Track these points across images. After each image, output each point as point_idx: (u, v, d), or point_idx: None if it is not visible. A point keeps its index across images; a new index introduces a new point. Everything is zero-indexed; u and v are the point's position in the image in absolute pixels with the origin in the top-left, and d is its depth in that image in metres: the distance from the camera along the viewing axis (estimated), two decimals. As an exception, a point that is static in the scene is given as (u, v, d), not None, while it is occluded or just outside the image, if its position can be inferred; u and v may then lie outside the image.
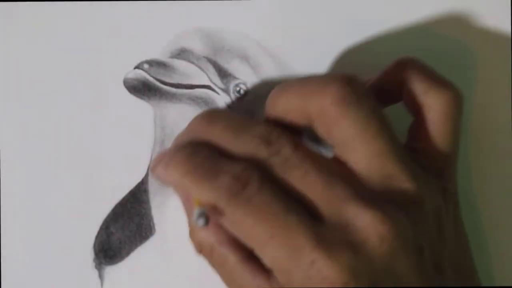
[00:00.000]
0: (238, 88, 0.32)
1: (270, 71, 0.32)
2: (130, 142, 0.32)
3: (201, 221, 0.25)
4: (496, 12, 0.32)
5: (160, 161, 0.27)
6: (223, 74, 0.32)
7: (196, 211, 0.25)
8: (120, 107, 0.32)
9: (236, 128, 0.27)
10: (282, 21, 0.32)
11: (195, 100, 0.32)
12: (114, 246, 0.32)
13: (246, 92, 0.32)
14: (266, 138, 0.26)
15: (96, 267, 0.32)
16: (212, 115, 0.28)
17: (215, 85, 0.32)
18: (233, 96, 0.32)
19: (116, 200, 0.32)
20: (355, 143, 0.25)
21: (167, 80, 0.32)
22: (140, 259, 0.32)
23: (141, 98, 0.32)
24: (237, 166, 0.26)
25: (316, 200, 0.25)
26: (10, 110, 0.32)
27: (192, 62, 0.32)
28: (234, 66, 0.32)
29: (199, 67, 0.32)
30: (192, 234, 0.28)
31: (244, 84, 0.32)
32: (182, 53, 0.32)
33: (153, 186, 0.32)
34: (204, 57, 0.32)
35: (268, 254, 0.25)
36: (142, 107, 0.32)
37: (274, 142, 0.26)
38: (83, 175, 0.32)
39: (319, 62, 0.32)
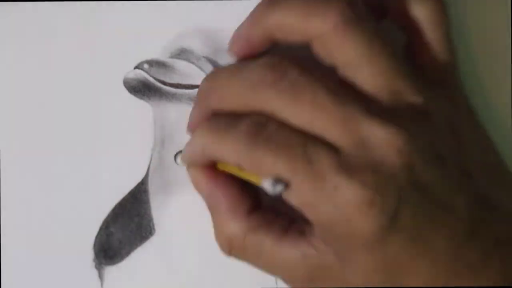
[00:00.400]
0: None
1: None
2: (130, 142, 0.32)
3: (279, 187, 0.25)
4: None
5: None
6: (223, 74, 0.32)
7: (268, 180, 0.25)
8: (120, 107, 0.32)
9: (239, 68, 0.27)
10: (282, 21, 0.32)
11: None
12: (114, 246, 0.32)
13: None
14: (270, 64, 0.26)
15: (96, 267, 0.32)
16: (213, 75, 0.28)
17: (215, 85, 0.32)
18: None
19: (116, 200, 0.32)
20: (360, 64, 0.25)
21: (167, 80, 0.32)
22: (140, 259, 0.32)
23: (141, 98, 0.32)
24: (252, 115, 0.26)
25: (330, 124, 0.25)
26: (10, 110, 0.32)
27: (192, 62, 0.32)
28: (234, 66, 0.32)
29: (199, 67, 0.32)
30: (221, 232, 0.28)
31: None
32: (182, 53, 0.32)
33: (153, 186, 0.32)
34: (204, 57, 0.32)
35: (294, 193, 0.25)
36: (142, 107, 0.32)
37: (278, 66, 0.26)
38: (83, 175, 0.32)
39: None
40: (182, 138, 0.32)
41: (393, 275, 0.25)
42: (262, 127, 0.25)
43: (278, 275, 0.28)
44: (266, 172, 0.25)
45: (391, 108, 0.25)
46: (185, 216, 0.32)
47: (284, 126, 0.25)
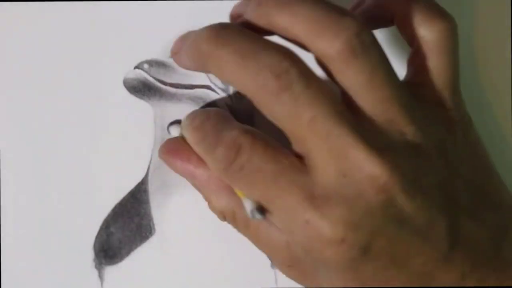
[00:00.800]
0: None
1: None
2: (130, 142, 0.32)
3: (258, 216, 0.26)
4: None
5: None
6: (223, 74, 0.32)
7: (248, 205, 0.26)
8: (120, 107, 0.32)
9: (244, 54, 0.25)
10: (282, 21, 0.32)
11: (195, 100, 0.32)
12: (114, 246, 0.32)
13: (246, 92, 0.32)
14: (275, 70, 0.24)
15: (96, 267, 0.32)
16: (220, 34, 0.26)
17: (215, 85, 0.32)
18: (233, 96, 0.32)
19: (116, 200, 0.32)
20: (361, 91, 0.25)
21: (167, 80, 0.32)
22: (140, 259, 0.32)
23: (141, 98, 0.32)
24: (232, 134, 0.26)
25: (318, 148, 0.25)
26: (10, 110, 0.32)
27: (192, 62, 0.32)
28: (234, 66, 0.32)
29: (199, 67, 0.32)
30: (211, 206, 0.29)
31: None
32: (182, 53, 0.32)
33: (153, 186, 0.32)
34: (204, 57, 0.32)
35: (273, 217, 0.26)
36: (142, 107, 0.32)
37: (284, 75, 0.24)
38: (83, 175, 0.32)
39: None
40: (182, 138, 0.32)
41: None
42: (235, 154, 0.26)
43: (263, 251, 0.28)
44: (246, 197, 0.26)
45: (384, 137, 0.25)
46: (185, 216, 0.32)
47: (257, 151, 0.25)
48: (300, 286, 0.28)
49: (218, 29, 0.26)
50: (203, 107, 0.32)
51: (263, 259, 0.32)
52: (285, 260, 0.27)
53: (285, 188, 0.25)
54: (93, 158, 0.32)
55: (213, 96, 0.32)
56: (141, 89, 0.32)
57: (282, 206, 0.25)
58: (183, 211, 0.32)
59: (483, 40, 0.33)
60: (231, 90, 0.32)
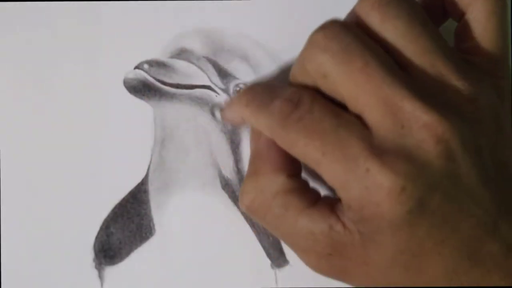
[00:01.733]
0: (238, 88, 0.32)
1: (270, 71, 0.32)
2: (130, 142, 0.32)
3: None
4: None
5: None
6: (223, 74, 0.32)
7: None
8: (120, 107, 0.32)
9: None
10: (282, 21, 0.32)
11: (195, 100, 0.32)
12: (114, 246, 0.32)
13: (246, 92, 0.32)
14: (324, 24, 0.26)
15: (96, 267, 0.32)
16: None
17: (215, 85, 0.32)
18: (233, 96, 0.32)
19: (116, 200, 0.32)
20: (403, 43, 0.25)
21: (167, 80, 0.32)
22: (140, 259, 0.32)
23: (141, 98, 0.32)
24: (289, 89, 0.26)
25: (373, 102, 0.25)
26: (10, 110, 0.32)
27: (192, 62, 0.32)
28: (234, 66, 0.32)
29: (199, 67, 0.32)
30: (253, 185, 0.28)
31: (244, 84, 0.32)
32: (182, 53, 0.32)
33: (153, 187, 0.32)
34: (204, 57, 0.32)
35: (325, 172, 0.25)
36: (142, 107, 0.32)
37: (330, 31, 0.26)
38: (83, 175, 0.32)
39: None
40: (182, 138, 0.32)
41: (416, 257, 0.25)
42: (294, 106, 0.26)
43: (293, 243, 0.27)
44: (297, 152, 0.26)
45: (436, 92, 0.25)
46: (185, 216, 0.32)
47: (317, 104, 0.26)
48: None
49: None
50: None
51: (263, 259, 0.32)
52: (326, 247, 0.26)
53: (345, 139, 0.25)
54: (93, 158, 0.32)
55: (213, 96, 0.32)
56: (141, 89, 0.32)
57: (340, 157, 0.25)
58: (183, 211, 0.32)
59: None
60: (231, 90, 0.32)
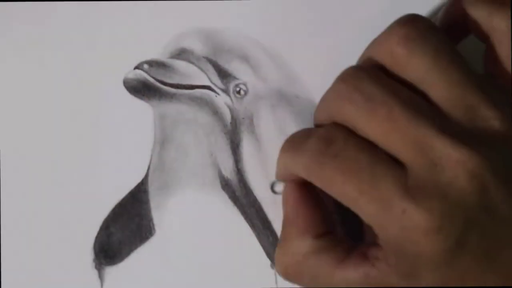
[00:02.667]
0: (238, 88, 0.32)
1: (270, 71, 0.32)
2: (130, 142, 0.32)
3: None
4: None
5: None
6: (223, 74, 0.32)
7: None
8: (120, 107, 0.32)
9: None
10: (282, 21, 0.32)
11: (195, 100, 0.32)
12: (114, 247, 0.32)
13: (246, 92, 0.32)
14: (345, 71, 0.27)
15: (96, 267, 0.32)
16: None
17: (215, 85, 0.32)
18: (233, 96, 0.32)
19: (116, 200, 0.32)
20: (431, 78, 0.25)
21: (167, 80, 0.32)
22: (140, 259, 0.32)
23: (141, 98, 0.32)
24: (322, 128, 0.26)
25: (403, 142, 0.25)
26: (10, 110, 0.32)
27: (192, 63, 0.32)
28: (234, 66, 0.32)
29: (199, 68, 0.32)
30: (285, 252, 0.28)
31: (244, 84, 0.32)
32: (182, 53, 0.32)
33: (153, 187, 0.32)
34: (204, 57, 0.32)
35: (362, 211, 0.25)
36: (142, 107, 0.32)
37: (353, 81, 0.26)
38: (83, 175, 0.32)
39: (319, 62, 0.32)
40: (182, 138, 0.32)
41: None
42: (329, 143, 0.26)
43: None
44: (334, 190, 0.26)
45: (465, 125, 0.25)
46: (185, 216, 0.32)
47: (351, 141, 0.26)
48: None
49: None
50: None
51: (263, 259, 0.32)
52: None
53: (381, 178, 0.25)
54: (93, 158, 0.32)
55: (213, 96, 0.32)
56: (141, 89, 0.32)
57: (376, 197, 0.25)
58: (183, 212, 0.32)
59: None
60: (231, 90, 0.32)
